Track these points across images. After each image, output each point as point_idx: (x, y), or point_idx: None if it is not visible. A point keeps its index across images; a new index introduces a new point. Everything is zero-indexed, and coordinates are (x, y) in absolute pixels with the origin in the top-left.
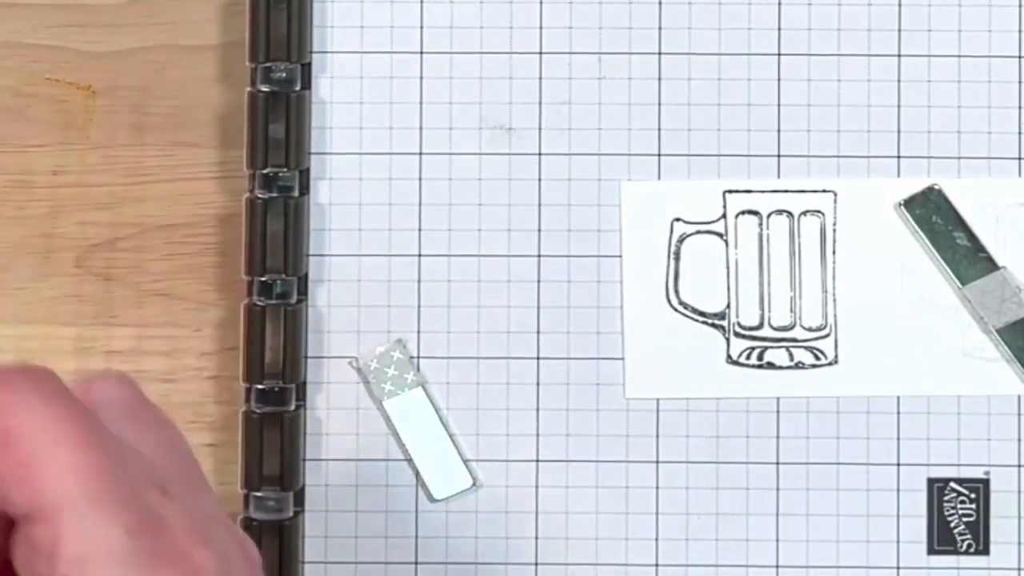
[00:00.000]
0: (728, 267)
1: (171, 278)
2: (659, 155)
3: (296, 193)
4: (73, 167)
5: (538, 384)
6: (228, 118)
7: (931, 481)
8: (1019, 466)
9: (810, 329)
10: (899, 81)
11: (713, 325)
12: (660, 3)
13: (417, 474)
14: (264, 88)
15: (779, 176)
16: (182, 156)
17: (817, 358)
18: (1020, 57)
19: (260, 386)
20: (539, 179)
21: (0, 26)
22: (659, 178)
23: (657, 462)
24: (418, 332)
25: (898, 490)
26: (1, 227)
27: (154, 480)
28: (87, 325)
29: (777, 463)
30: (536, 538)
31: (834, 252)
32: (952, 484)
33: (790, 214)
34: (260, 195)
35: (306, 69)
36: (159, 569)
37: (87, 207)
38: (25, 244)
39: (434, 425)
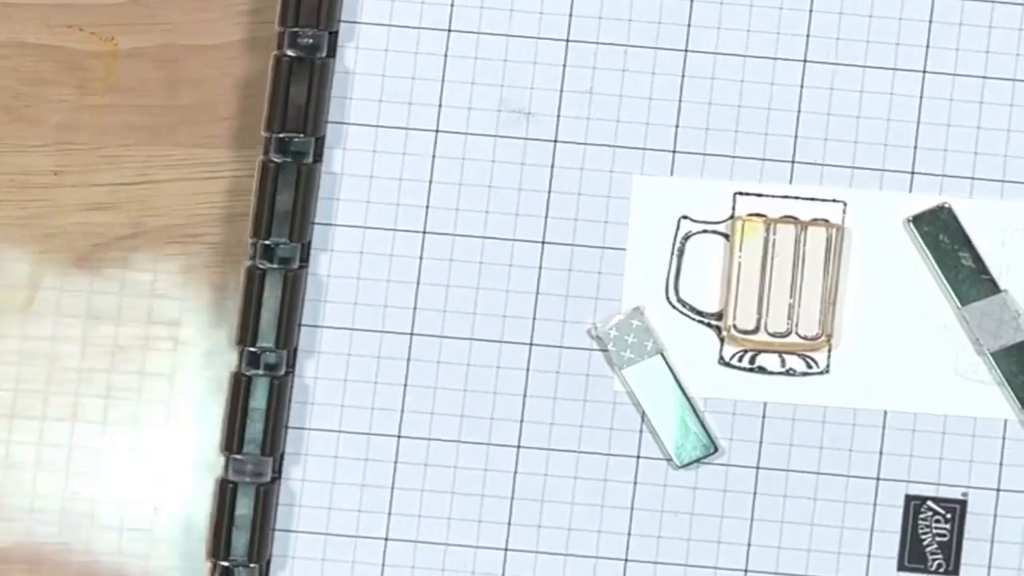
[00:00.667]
0: (730, 269)
1: (172, 277)
2: (674, 151)
3: (310, 160)
4: (73, 167)
5: (528, 370)
6: (229, 118)
7: (909, 498)
8: (998, 490)
9: (806, 338)
10: (921, 97)
11: (709, 325)
12: (692, 0)
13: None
14: (290, 53)
15: (791, 182)
16: (183, 156)
17: (809, 366)
18: None
19: (252, 349)
20: (552, 166)
21: (0, 26)
22: (671, 175)
23: (638, 457)
24: (414, 308)
25: (875, 504)
26: (2, 226)
27: None
28: (88, 324)
29: (757, 467)
30: (508, 524)
31: (838, 263)
32: (929, 502)
33: (798, 221)
34: (274, 159)
35: (333, 37)
36: None
37: (88, 207)
38: (26, 243)
39: (674, 392)
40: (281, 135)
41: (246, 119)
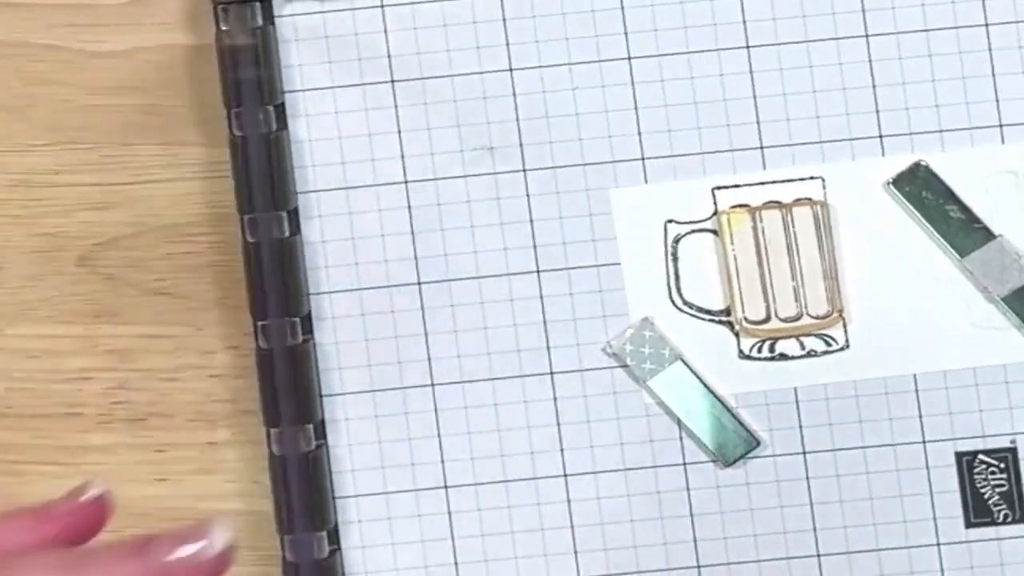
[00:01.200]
0: (727, 263)
1: (173, 277)
2: (643, 159)
3: (287, 233)
4: (74, 166)
5: (555, 399)
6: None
7: (959, 455)
8: None
9: (817, 317)
10: (870, 61)
11: (721, 322)
12: (623, 7)
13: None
14: (242, 133)
15: (765, 168)
16: (183, 156)
17: (828, 344)
18: (986, 25)
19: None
20: (527, 195)
21: (1, 26)
22: (646, 182)
23: (684, 464)
24: (428, 359)
25: (927, 467)
26: (3, 226)
27: None
28: (89, 324)
29: (803, 452)
30: (575, 552)
31: (830, 237)
32: (980, 456)
33: (781, 204)
34: (251, 239)
35: (280, 110)
36: None
37: (89, 206)
38: (27, 243)
39: (703, 394)
40: (253, 216)
41: None
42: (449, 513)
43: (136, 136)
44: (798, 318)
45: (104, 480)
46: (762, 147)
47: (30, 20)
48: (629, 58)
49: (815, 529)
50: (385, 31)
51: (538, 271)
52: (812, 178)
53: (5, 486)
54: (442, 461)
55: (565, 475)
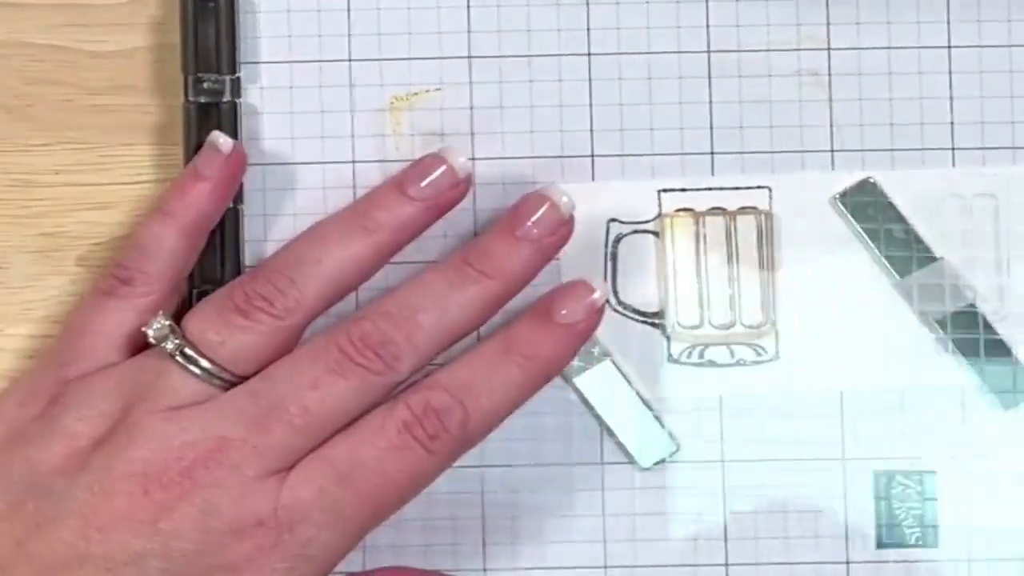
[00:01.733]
0: (666, 266)
1: None
2: (592, 156)
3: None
4: (74, 166)
5: None
6: None
7: (877, 474)
8: (963, 456)
9: (750, 326)
10: (830, 75)
11: (653, 324)
12: (588, 4)
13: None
14: (198, 100)
15: (713, 174)
16: (181, 155)
17: (758, 354)
18: (949, 47)
19: None
20: (473, 183)
21: (1, 26)
22: (593, 179)
23: (602, 463)
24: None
25: (845, 484)
26: (3, 226)
27: None
28: None
29: (722, 460)
30: (483, 544)
31: (771, 248)
32: (898, 477)
33: (726, 211)
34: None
35: (235, 83)
36: None
37: (89, 206)
38: (27, 243)
39: (628, 395)
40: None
41: None
42: None
43: (136, 136)
44: (731, 326)
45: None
46: (712, 153)
47: (30, 20)
48: (589, 54)
49: (726, 539)
50: (348, 9)
51: None
52: (759, 187)
53: None
54: None
55: (481, 466)
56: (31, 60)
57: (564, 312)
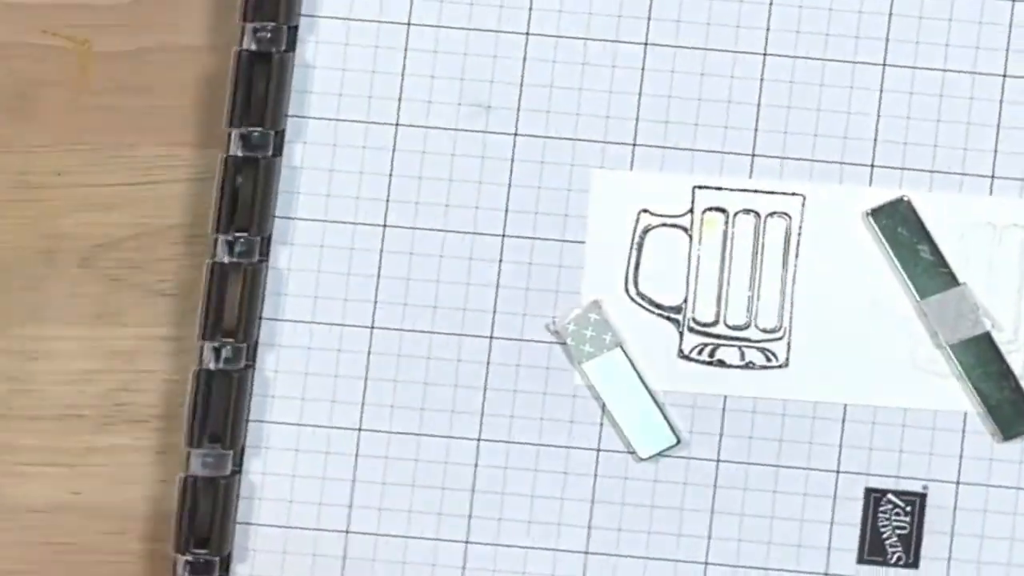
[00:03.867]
0: (689, 262)
1: (175, 278)
2: (634, 145)
3: (269, 153)
4: (75, 168)
5: (488, 363)
6: None
7: (869, 491)
8: (958, 483)
9: (765, 331)
10: (881, 91)
11: (668, 318)
12: None
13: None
14: (251, 47)
15: (751, 176)
16: (184, 156)
17: (768, 359)
18: (1004, 76)
19: (214, 344)
20: (512, 159)
21: (1, 26)
22: (631, 168)
23: (598, 450)
24: (375, 302)
25: (835, 497)
26: (5, 227)
27: None
28: (91, 325)
29: (717, 460)
30: (469, 517)
31: (797, 255)
32: (889, 495)
33: (757, 214)
34: (235, 153)
35: (293, 31)
36: None
37: (90, 207)
38: (29, 244)
39: (634, 385)
40: (241, 129)
41: None
42: (357, 455)
43: (137, 137)
44: (746, 327)
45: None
46: (753, 154)
47: (30, 20)
48: (646, 44)
49: (710, 537)
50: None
51: (503, 235)
52: (794, 194)
53: (7, 487)
54: (363, 403)
55: (479, 439)
56: (31, 60)
57: None
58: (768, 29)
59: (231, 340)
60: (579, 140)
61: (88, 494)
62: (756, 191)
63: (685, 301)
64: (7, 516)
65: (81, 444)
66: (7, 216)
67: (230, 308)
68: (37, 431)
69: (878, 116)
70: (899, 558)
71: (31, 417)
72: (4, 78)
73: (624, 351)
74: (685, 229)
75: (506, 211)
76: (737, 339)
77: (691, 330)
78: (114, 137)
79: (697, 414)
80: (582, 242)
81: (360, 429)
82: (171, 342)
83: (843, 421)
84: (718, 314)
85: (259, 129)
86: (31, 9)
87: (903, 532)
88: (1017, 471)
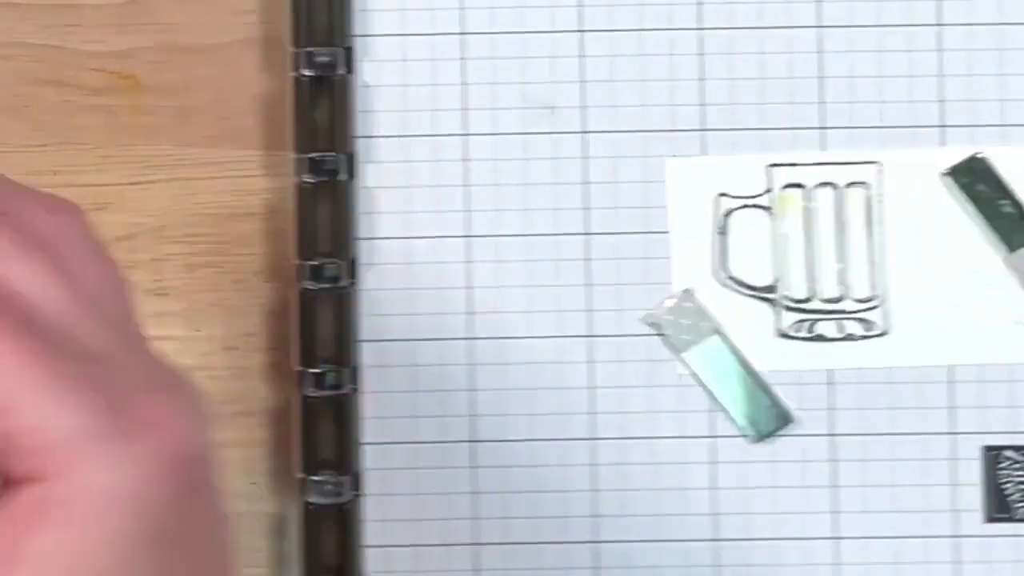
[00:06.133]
0: (775, 241)
1: (171, 278)
2: (703, 130)
3: (344, 176)
4: (73, 167)
5: (589, 363)
6: (228, 118)
7: (986, 449)
8: None
9: (859, 300)
10: (940, 51)
11: (762, 299)
12: None
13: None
14: (307, 72)
15: (823, 148)
16: (183, 156)
17: (868, 329)
18: None
19: (314, 371)
20: (584, 157)
21: (0, 26)
22: (704, 153)
23: (711, 437)
24: (467, 313)
25: (953, 459)
26: None
27: (90, 334)
28: None
29: (831, 435)
30: (594, 517)
31: (881, 223)
32: (1006, 451)
33: (835, 186)
34: (308, 180)
35: (348, 53)
36: (130, 434)
37: (86, 207)
38: None
39: (737, 369)
40: (312, 155)
41: (246, 119)
42: (472, 468)
43: (135, 136)
44: (840, 300)
45: None
46: (823, 128)
47: (30, 20)
48: (700, 28)
49: (835, 512)
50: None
51: (587, 233)
52: (869, 162)
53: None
54: (470, 415)
55: (593, 439)
56: (30, 60)
57: None
58: (819, 1)
59: (332, 366)
60: (648, 131)
61: None
62: (831, 163)
63: (777, 280)
64: None
65: None
66: None
67: (322, 335)
68: None
69: (941, 76)
70: None
71: None
72: (2, 78)
73: (723, 336)
74: (766, 208)
75: (586, 209)
76: (833, 312)
77: (787, 308)
78: (110, 137)
79: (804, 391)
80: (665, 232)
81: (471, 441)
82: (167, 343)
83: (951, 383)
84: (811, 289)
85: (331, 154)
86: (30, 9)
87: None
88: None
